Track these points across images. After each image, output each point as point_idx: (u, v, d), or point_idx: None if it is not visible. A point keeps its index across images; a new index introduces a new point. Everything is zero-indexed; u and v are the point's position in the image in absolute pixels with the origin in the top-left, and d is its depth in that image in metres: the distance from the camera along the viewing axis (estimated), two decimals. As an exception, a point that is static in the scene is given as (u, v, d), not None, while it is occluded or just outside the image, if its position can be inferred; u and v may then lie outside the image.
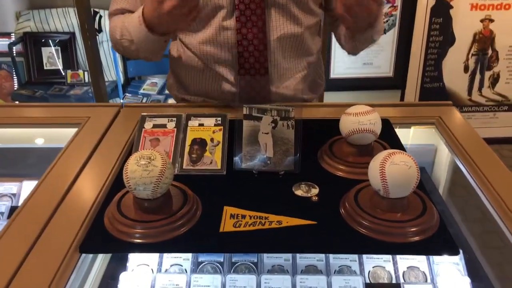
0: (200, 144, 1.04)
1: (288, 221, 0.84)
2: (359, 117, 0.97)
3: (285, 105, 1.02)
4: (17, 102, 3.00)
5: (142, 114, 1.09)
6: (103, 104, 1.70)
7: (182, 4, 0.98)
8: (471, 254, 1.04)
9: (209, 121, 1.08)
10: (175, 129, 1.06)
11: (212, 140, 1.04)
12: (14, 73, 3.11)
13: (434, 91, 3.14)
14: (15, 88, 3.11)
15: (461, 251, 0.87)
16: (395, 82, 3.13)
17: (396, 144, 1.09)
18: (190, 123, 1.07)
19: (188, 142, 1.04)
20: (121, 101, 3.02)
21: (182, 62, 1.29)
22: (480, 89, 3.17)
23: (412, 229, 0.79)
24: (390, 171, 0.78)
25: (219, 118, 1.08)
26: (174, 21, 1.03)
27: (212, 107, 1.28)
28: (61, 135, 1.22)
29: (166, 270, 0.99)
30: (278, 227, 0.83)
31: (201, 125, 1.07)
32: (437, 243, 0.79)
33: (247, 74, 1.22)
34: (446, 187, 1.26)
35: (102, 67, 2.87)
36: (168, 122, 1.07)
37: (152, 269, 0.99)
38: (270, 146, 0.99)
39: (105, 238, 0.81)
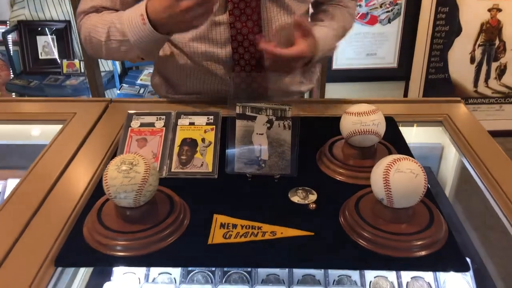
0: (191, 144, 0.97)
1: (283, 232, 0.78)
2: (361, 117, 0.90)
3: (282, 101, 0.94)
4: (13, 95, 2.94)
5: (129, 112, 1.02)
6: (91, 99, 1.64)
7: (200, 3, 0.90)
8: (479, 263, 0.98)
9: (201, 120, 1.01)
10: (164, 128, 0.99)
11: (203, 140, 0.97)
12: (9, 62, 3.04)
13: (439, 82, 3.08)
14: (11, 78, 3.04)
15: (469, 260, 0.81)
16: (400, 73, 3.06)
17: (401, 145, 1.02)
18: (180, 121, 1.00)
19: (177, 143, 0.97)
20: (118, 91, 2.95)
21: (170, 61, 1.20)
22: (486, 80, 3.10)
23: (418, 243, 0.73)
24: (395, 179, 0.71)
25: (211, 117, 1.01)
26: (186, 22, 0.94)
27: (204, 104, 1.20)
28: (47, 132, 1.17)
29: (154, 279, 0.94)
30: (272, 239, 0.77)
31: (192, 124, 1.00)
32: (445, 258, 0.73)
33: (242, 71, 1.14)
34: (453, 189, 1.20)
35: (98, 57, 2.79)
36: (157, 120, 1.00)
37: (139, 278, 0.93)
38: (265, 148, 0.92)
39: (84, 250, 0.74)
